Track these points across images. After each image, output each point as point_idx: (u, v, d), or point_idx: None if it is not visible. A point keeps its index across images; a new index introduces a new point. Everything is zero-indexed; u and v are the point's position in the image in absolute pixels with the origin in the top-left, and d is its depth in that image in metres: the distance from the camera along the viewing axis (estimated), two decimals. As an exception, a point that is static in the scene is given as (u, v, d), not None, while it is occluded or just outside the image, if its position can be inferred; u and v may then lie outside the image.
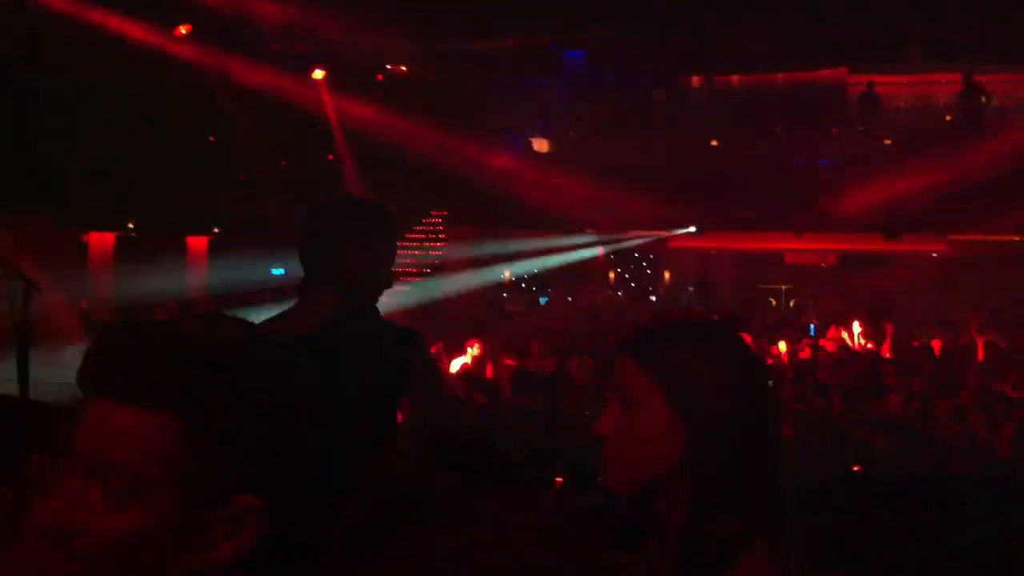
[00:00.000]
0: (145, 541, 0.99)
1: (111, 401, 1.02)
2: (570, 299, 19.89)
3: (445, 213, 18.15)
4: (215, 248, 15.74)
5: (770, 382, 1.60)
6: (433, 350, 10.43)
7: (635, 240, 19.46)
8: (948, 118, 17.07)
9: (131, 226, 14.54)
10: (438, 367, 3.08)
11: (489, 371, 9.61)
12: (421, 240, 18.41)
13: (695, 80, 19.04)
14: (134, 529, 0.98)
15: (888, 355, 11.03)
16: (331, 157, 15.45)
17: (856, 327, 12.29)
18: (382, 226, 3.06)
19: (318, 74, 14.73)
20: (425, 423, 3.08)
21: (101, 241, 14.50)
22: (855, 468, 5.21)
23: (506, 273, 19.95)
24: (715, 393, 1.51)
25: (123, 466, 0.99)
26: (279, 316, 3.00)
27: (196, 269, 15.62)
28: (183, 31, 12.87)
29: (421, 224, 18.25)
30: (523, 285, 20.53)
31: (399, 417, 3.19)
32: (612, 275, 21.46)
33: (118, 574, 0.98)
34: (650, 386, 1.52)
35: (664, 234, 18.87)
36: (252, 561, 1.05)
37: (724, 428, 1.50)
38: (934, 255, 17.05)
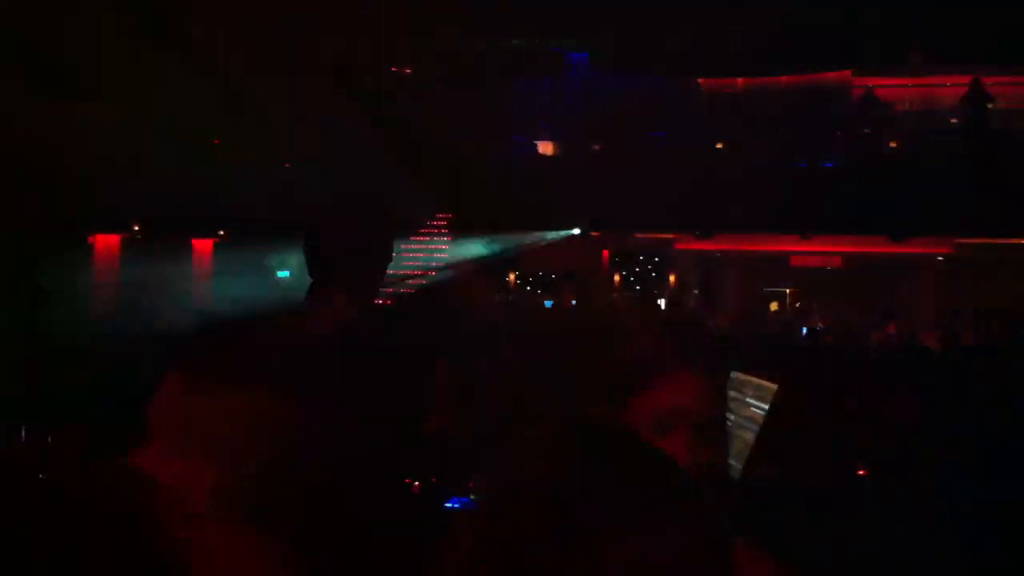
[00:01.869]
0: None
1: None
2: (575, 302, 19.86)
3: (451, 216, 18.13)
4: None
5: None
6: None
7: (640, 242, 19.45)
8: (953, 120, 17.04)
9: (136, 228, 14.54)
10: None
11: None
12: (426, 242, 18.40)
13: (700, 82, 19.03)
14: None
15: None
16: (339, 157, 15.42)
17: None
18: (384, 223, 3.07)
19: (329, 67, 14.20)
20: (439, 423, 3.09)
21: (107, 242, 14.51)
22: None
23: (511, 276, 19.93)
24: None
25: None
26: (293, 315, 3.01)
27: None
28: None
29: (426, 226, 18.23)
30: (527, 288, 20.52)
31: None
32: (617, 278, 21.43)
33: None
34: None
35: (669, 236, 18.84)
36: None
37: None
38: (939, 258, 17.00)
